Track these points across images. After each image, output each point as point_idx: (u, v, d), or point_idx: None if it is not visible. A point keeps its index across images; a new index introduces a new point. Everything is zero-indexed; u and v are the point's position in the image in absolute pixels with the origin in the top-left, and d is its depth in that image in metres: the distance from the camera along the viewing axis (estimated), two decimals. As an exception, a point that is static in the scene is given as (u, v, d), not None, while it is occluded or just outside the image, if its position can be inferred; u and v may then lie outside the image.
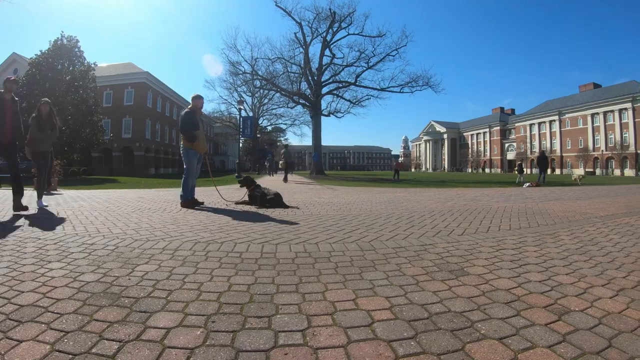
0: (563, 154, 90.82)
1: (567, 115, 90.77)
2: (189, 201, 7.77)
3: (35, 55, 37.46)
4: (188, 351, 1.69)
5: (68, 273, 2.88)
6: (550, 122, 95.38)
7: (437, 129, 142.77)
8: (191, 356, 1.65)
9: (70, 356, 1.64)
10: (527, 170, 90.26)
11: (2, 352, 1.67)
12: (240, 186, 8.59)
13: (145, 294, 2.42)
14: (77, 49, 39.37)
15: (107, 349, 1.71)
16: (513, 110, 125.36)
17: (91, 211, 6.73)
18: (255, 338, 1.82)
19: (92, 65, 40.49)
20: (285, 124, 63.59)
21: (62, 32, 39.15)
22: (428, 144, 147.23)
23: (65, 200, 8.95)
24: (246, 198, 8.30)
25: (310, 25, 40.53)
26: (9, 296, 2.37)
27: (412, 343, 1.78)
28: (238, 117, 40.33)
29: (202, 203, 8.04)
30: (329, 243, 4.08)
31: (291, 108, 50.21)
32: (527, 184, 19.48)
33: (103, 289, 2.51)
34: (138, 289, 2.51)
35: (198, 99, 8.22)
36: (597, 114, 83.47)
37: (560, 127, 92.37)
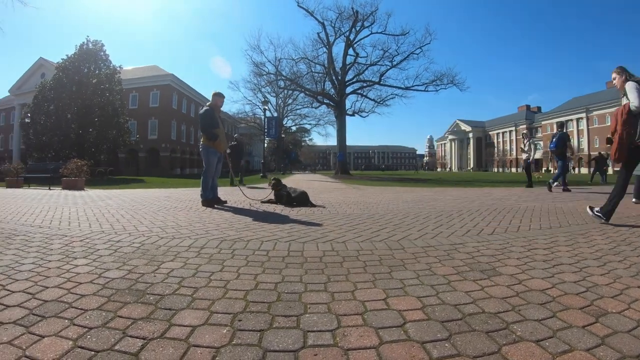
0: (591, 153, 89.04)
1: (594, 113, 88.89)
2: (209, 200, 7.77)
3: (62, 59, 38.32)
4: (214, 350, 1.65)
5: (93, 270, 2.89)
6: (578, 119, 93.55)
7: (463, 127, 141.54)
8: (217, 355, 1.61)
9: (93, 352, 1.62)
10: (554, 170, 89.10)
11: (24, 347, 1.66)
12: (272, 188, 8.57)
13: (171, 291, 2.40)
14: (102, 53, 40.13)
15: (131, 346, 1.68)
16: (539, 108, 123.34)
17: (118, 210, 6.81)
18: (284, 338, 1.77)
19: (118, 69, 41.23)
20: (309, 124, 63.75)
21: (88, 36, 40.10)
22: (453, 143, 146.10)
23: (92, 199, 9.08)
24: (272, 197, 8.31)
25: (333, 25, 40.48)
26: (33, 291, 2.38)
27: (447, 345, 1.71)
28: (263, 117, 40.58)
29: (226, 202, 8.05)
30: (356, 242, 4.02)
31: (315, 108, 50.22)
32: (556, 184, 19.02)
33: (128, 285, 2.51)
34: (163, 286, 2.49)
35: (219, 96, 8.20)
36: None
37: (587, 125, 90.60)
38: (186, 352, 1.64)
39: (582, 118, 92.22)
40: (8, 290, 2.41)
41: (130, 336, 1.77)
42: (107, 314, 2.02)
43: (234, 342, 1.72)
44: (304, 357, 1.61)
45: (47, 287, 2.46)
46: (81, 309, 2.09)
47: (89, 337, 1.76)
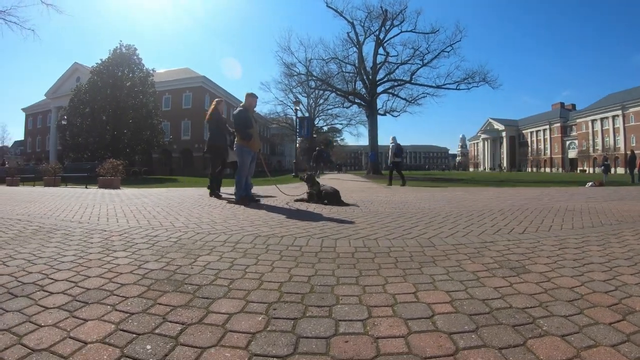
0: (627, 152, 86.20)
1: (630, 110, 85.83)
2: (243, 198, 7.91)
3: (97, 63, 39.44)
4: (249, 335, 1.74)
5: (133, 261, 3.03)
6: (614, 117, 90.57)
7: (495, 126, 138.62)
8: (252, 340, 1.69)
9: (135, 335, 1.73)
10: (589, 170, 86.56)
11: (68, 329, 1.77)
12: (307, 183, 8.68)
13: (208, 281, 2.51)
14: (135, 57, 41.20)
15: (171, 330, 1.78)
16: (574, 106, 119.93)
17: (154, 207, 6.99)
18: (316, 326, 1.84)
19: (151, 72, 42.14)
20: (341, 124, 63.62)
21: (121, 41, 41.19)
22: (486, 143, 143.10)
23: (128, 197, 9.31)
24: (304, 195, 8.39)
25: (362, 24, 40.43)
26: (76, 280, 2.52)
27: (473, 336, 1.75)
28: (294, 117, 40.81)
29: (259, 200, 8.17)
30: (388, 239, 4.06)
31: (347, 108, 50.12)
32: (590, 183, 18.60)
33: (166, 276, 2.63)
34: (200, 277, 2.60)
35: (252, 97, 8.38)
36: (664, 107, 78.99)
37: (624, 123, 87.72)
38: (223, 336, 1.73)
39: (617, 115, 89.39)
40: (52, 279, 2.55)
41: (170, 321, 1.88)
42: (147, 301, 2.13)
43: (268, 329, 1.81)
44: (335, 344, 1.67)
45: (89, 277, 2.59)
46: (122, 297, 2.21)
47: (130, 321, 1.87)
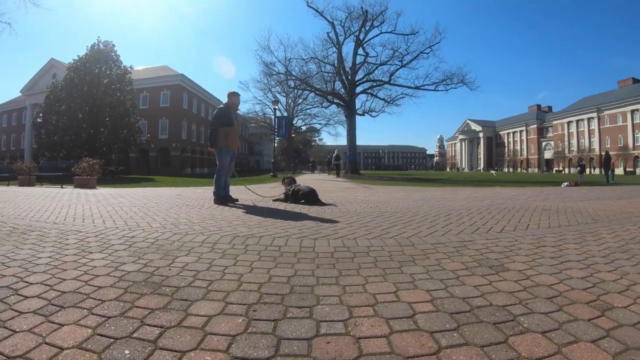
0: (602, 153, 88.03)
1: (605, 112, 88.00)
2: (221, 197, 7.86)
3: (73, 60, 38.79)
4: (230, 338, 1.71)
5: (109, 263, 2.96)
6: (589, 119, 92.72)
7: (473, 127, 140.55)
8: (233, 342, 1.66)
9: (112, 340, 1.68)
10: (565, 170, 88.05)
11: (44, 335, 1.72)
12: (283, 183, 8.70)
13: (186, 283, 2.47)
14: (113, 54, 40.69)
15: (149, 334, 1.74)
16: (550, 108, 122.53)
17: (130, 207, 6.90)
18: (297, 327, 1.82)
19: (129, 69, 41.61)
20: (319, 123, 63.66)
21: (99, 37, 40.51)
22: (464, 143, 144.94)
23: (104, 197, 9.17)
24: (281, 196, 8.37)
25: (342, 25, 40.52)
26: (51, 283, 2.45)
27: (455, 334, 1.75)
28: (273, 117, 40.71)
29: (237, 200, 8.10)
30: (367, 239, 4.06)
31: (325, 108, 50.29)
32: (566, 183, 18.92)
33: (144, 278, 2.57)
34: (179, 279, 2.55)
35: (234, 95, 8.33)
36: (637, 110, 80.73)
37: (599, 125, 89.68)
38: (203, 339, 1.69)
39: (593, 118, 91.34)
40: (26, 282, 2.48)
41: (148, 325, 1.83)
42: (124, 305, 2.08)
43: (249, 331, 1.78)
44: (317, 345, 1.65)
45: (65, 280, 2.52)
46: (99, 300, 2.15)
47: (107, 325, 1.82)
